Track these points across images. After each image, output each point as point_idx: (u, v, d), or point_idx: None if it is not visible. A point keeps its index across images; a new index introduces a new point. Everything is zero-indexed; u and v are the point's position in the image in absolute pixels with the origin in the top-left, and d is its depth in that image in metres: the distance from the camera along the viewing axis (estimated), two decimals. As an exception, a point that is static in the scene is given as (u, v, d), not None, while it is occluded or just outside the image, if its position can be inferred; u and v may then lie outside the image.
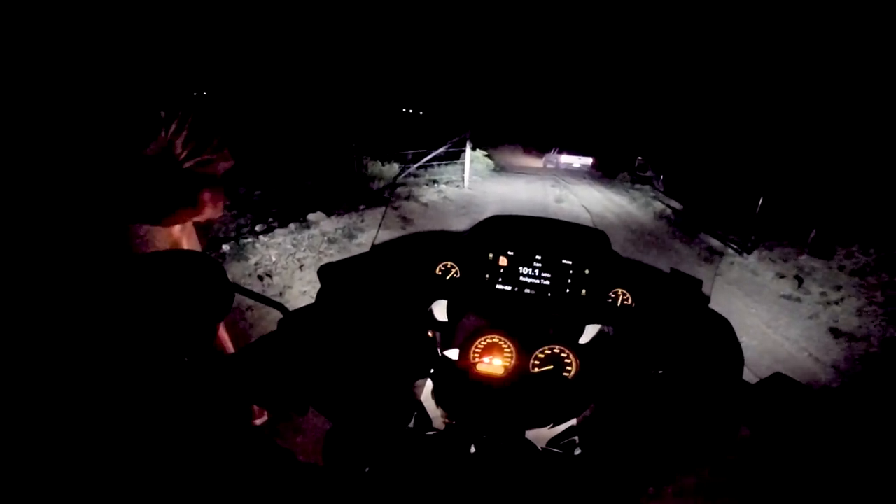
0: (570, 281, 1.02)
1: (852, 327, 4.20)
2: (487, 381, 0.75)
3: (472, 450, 0.68)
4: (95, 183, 0.98)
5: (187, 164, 1.11)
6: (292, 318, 0.73)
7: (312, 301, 0.84)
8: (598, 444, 0.71)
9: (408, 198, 8.08)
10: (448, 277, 1.07)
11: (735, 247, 6.83)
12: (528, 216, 1.11)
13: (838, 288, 5.01)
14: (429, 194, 8.63)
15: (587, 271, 1.01)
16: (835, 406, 0.58)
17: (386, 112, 19.81)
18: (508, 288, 1.04)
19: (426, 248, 1.08)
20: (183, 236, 1.20)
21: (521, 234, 1.07)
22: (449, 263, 1.07)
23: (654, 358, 0.78)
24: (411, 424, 0.82)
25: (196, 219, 1.19)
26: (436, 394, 0.78)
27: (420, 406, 0.84)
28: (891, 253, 5.52)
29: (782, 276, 5.46)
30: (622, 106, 28.50)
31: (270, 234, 4.57)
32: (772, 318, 4.36)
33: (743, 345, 3.23)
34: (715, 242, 7.19)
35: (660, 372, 0.74)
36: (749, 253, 6.41)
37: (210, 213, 1.17)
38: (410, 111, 27.17)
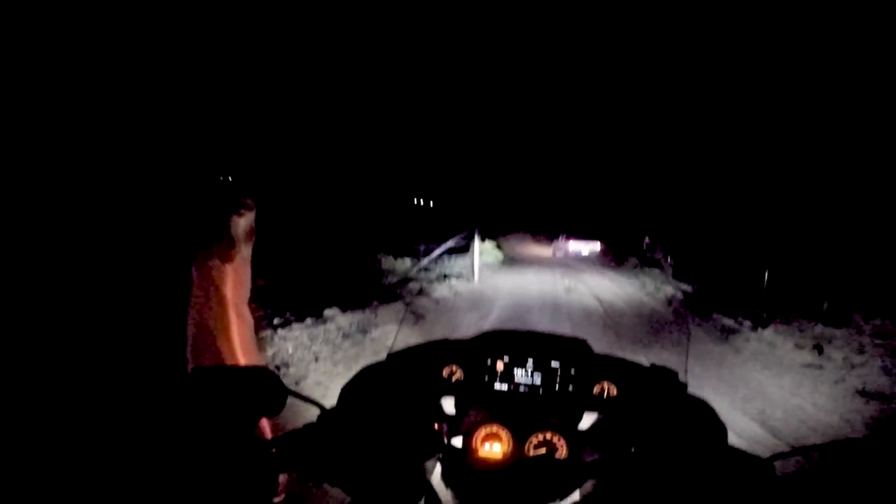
0: (558, 379, 1.19)
1: (882, 387, 4.06)
2: (487, 465, 0.85)
3: None
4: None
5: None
6: (328, 413, 0.85)
7: (327, 391, 1.00)
8: None
9: (420, 293, 8.24)
10: (454, 380, 1.24)
11: (749, 323, 6.76)
12: (520, 330, 1.34)
13: (861, 351, 4.89)
14: (440, 290, 8.78)
15: (573, 370, 1.19)
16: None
17: (398, 204, 20.90)
18: (505, 387, 1.21)
19: (435, 355, 1.27)
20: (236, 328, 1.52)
21: (515, 343, 1.26)
22: (454, 367, 1.25)
23: (636, 438, 0.89)
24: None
25: (233, 252, 1.49)
26: (444, 477, 0.90)
27: (430, 487, 0.95)
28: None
29: (801, 347, 5.34)
30: (626, 187, 29.43)
31: (288, 327, 4.77)
32: (795, 386, 4.23)
33: (766, 415, 3.26)
34: (729, 321, 7.12)
35: (632, 450, 0.84)
36: (764, 328, 6.32)
37: (244, 246, 1.48)
38: (421, 202, 28.62)
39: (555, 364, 1.19)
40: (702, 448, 0.78)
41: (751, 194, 15.40)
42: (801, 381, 4.37)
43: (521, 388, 1.20)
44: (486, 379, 1.21)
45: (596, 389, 1.19)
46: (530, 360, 1.21)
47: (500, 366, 1.22)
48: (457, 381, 1.23)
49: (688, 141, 22.56)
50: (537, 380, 1.20)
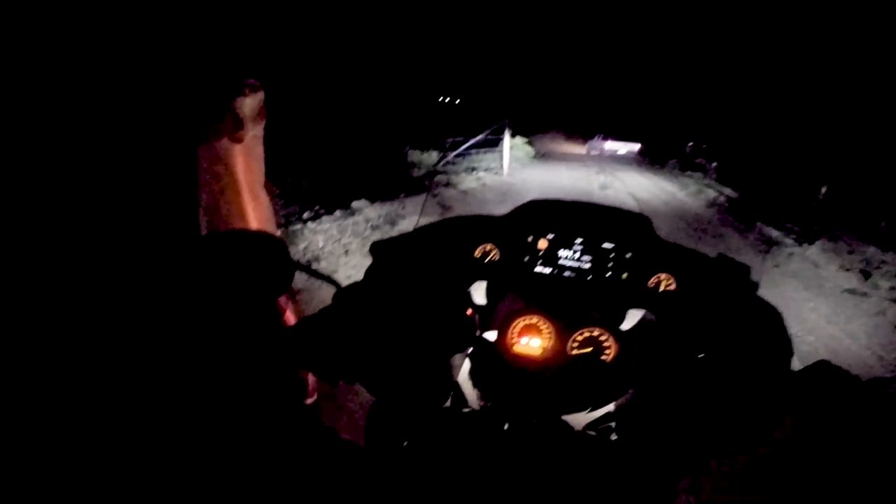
0: (611, 264, 1.00)
1: (925, 325, 3.87)
2: (524, 362, 0.75)
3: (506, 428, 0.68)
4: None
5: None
6: (344, 293, 0.75)
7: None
8: (635, 430, 0.70)
9: (447, 185, 8.12)
10: (487, 260, 1.06)
11: (795, 237, 6.43)
12: (569, 200, 1.11)
13: (911, 283, 4.63)
14: (467, 182, 8.62)
15: (629, 255, 1.00)
16: (885, 396, 0.54)
17: (424, 101, 19.89)
18: (548, 270, 1.03)
19: (466, 231, 1.08)
20: (252, 206, 1.41)
21: (561, 217, 1.06)
22: (488, 246, 1.06)
23: (696, 344, 0.75)
24: (448, 403, 0.83)
25: (241, 133, 1.42)
26: (473, 374, 0.79)
27: (457, 386, 0.86)
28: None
29: (847, 269, 5.10)
30: (670, 90, 27.09)
31: (318, 220, 4.76)
32: (833, 312, 4.10)
33: (799, 340, 3.07)
34: (773, 232, 6.79)
35: (700, 356, 0.71)
36: (810, 243, 6.01)
37: (252, 126, 1.42)
38: (447, 100, 27.06)
39: (608, 245, 1.00)
40: (764, 368, 0.65)
41: (814, 98, 13.73)
42: (840, 308, 4.22)
43: (567, 273, 1.02)
44: (526, 260, 1.03)
45: (651, 281, 1.00)
46: (579, 240, 1.02)
47: (542, 244, 1.02)
48: (490, 261, 1.05)
49: (744, 40, 19.70)
50: (586, 263, 1.01)
